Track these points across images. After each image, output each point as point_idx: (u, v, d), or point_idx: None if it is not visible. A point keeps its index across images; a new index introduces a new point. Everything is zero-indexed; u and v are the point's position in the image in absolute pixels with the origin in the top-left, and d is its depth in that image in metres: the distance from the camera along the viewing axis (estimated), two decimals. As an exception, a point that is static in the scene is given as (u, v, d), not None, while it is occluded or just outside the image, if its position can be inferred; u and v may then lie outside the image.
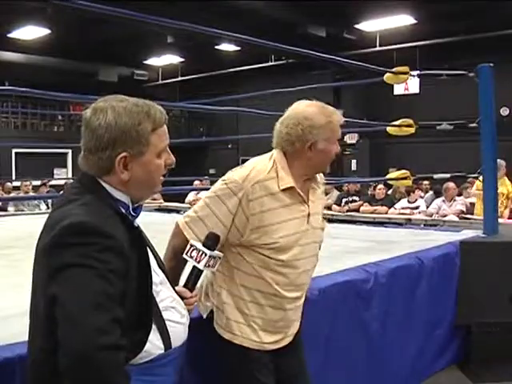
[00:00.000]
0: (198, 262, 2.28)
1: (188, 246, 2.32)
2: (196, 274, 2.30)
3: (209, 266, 2.29)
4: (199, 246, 2.30)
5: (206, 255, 2.28)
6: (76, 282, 1.75)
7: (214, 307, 2.81)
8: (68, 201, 1.95)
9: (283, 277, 2.75)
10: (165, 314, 2.07)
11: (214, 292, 2.81)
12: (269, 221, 2.68)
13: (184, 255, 2.31)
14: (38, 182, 14.31)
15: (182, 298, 2.23)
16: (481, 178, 7.94)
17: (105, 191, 2.00)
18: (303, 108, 2.80)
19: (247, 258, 2.73)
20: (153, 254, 2.17)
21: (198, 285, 2.40)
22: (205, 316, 2.84)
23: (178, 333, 2.12)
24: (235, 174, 2.70)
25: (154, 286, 2.03)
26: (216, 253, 2.32)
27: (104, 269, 1.77)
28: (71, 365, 1.69)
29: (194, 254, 2.29)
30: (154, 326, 2.01)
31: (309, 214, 2.82)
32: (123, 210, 2.01)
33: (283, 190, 2.71)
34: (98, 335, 1.69)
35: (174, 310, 2.13)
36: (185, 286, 2.30)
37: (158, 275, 2.12)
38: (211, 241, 2.34)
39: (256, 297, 2.75)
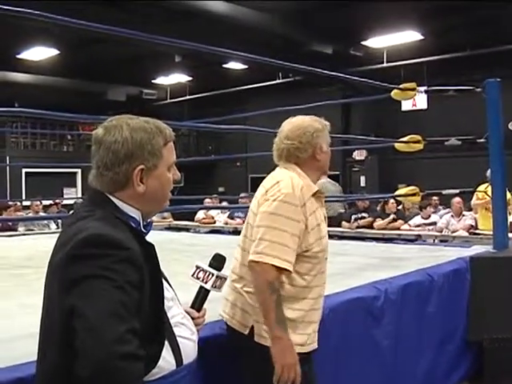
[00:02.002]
0: (205, 283, 2.29)
1: (194, 268, 2.33)
2: (203, 294, 2.31)
3: (215, 286, 2.31)
4: (206, 267, 2.32)
5: (213, 276, 2.29)
6: (95, 293, 1.76)
7: (254, 323, 2.87)
8: (82, 217, 1.98)
9: (323, 276, 3.00)
10: (176, 330, 2.08)
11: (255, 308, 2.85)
12: (316, 222, 2.91)
13: (190, 276, 2.33)
14: (47, 202, 14.37)
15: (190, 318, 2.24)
16: (480, 188, 7.96)
17: (116, 207, 2.03)
18: (300, 120, 3.11)
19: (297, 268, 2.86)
20: None
21: (205, 305, 2.40)
22: (246, 332, 2.89)
23: (189, 349, 2.13)
24: (282, 189, 2.86)
25: (165, 301, 2.04)
26: (222, 273, 2.34)
27: (121, 280, 1.79)
28: (91, 375, 1.70)
29: (201, 275, 2.30)
30: (166, 342, 2.01)
31: (325, 217, 3.06)
32: (134, 226, 2.04)
33: (313, 195, 2.93)
34: (118, 344, 1.70)
35: (184, 326, 2.14)
36: (192, 306, 2.30)
37: (168, 291, 2.14)
38: (217, 261, 2.35)
39: (311, 303, 2.93)
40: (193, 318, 2.25)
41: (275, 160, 3.13)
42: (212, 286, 2.29)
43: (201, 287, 2.30)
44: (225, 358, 2.99)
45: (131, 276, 1.83)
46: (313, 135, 3.02)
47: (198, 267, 2.32)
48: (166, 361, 2.01)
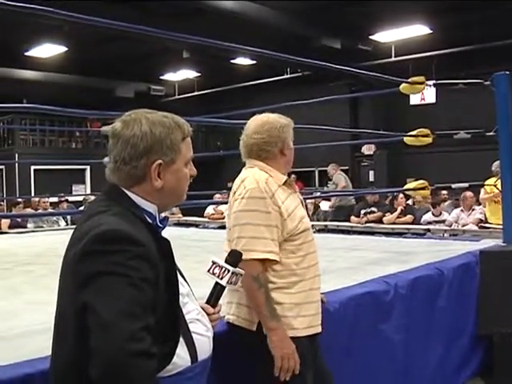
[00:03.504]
0: (221, 279, 2.28)
1: (210, 263, 2.32)
2: (218, 290, 2.30)
3: (231, 282, 2.30)
4: (222, 262, 2.31)
5: (228, 272, 2.28)
6: (108, 289, 1.76)
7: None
8: (97, 212, 1.96)
9: (312, 257, 3.03)
10: (191, 327, 2.08)
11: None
12: (291, 207, 2.98)
13: (206, 272, 2.32)
14: (56, 199, 14.41)
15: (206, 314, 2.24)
16: (487, 182, 7.94)
17: (132, 202, 2.02)
18: (265, 117, 3.16)
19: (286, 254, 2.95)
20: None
21: (221, 301, 2.40)
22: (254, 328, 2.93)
23: (204, 345, 2.12)
24: (246, 186, 2.96)
25: (181, 297, 2.04)
26: (238, 270, 2.33)
27: (136, 277, 1.78)
28: (104, 372, 1.69)
29: (217, 270, 2.29)
30: (181, 339, 2.00)
31: (301, 202, 3.16)
32: (150, 221, 2.03)
33: (283, 184, 3.04)
34: (131, 342, 1.69)
35: (199, 322, 2.13)
36: (207, 302, 2.30)
37: (184, 287, 2.13)
38: (234, 257, 2.34)
39: (310, 283, 2.99)
40: (208, 314, 2.24)
41: (243, 157, 3.20)
42: (228, 282, 2.28)
43: (216, 283, 2.29)
44: (236, 356, 2.99)
45: (146, 273, 1.82)
46: (279, 130, 3.09)
47: (213, 263, 2.31)
48: (181, 357, 2.00)
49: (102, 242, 1.82)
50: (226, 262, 2.32)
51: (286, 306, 2.89)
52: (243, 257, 2.70)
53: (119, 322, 1.71)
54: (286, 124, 3.14)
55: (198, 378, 2.08)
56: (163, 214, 2.17)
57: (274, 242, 2.87)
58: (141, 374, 1.71)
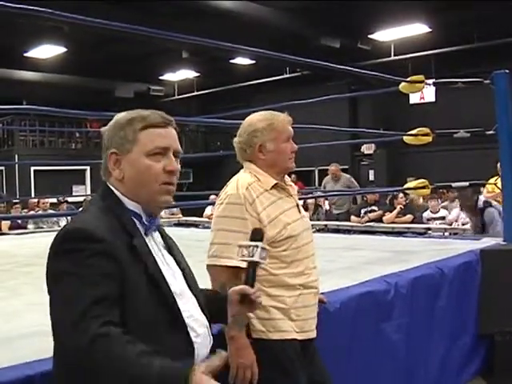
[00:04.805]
0: (253, 256, 2.25)
1: (237, 248, 2.29)
2: (253, 268, 2.26)
3: (262, 257, 2.26)
4: (248, 242, 2.28)
5: (257, 247, 2.25)
6: (64, 290, 1.79)
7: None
8: (82, 210, 2.07)
9: (298, 264, 2.96)
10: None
11: None
12: (275, 213, 2.92)
13: (239, 258, 2.28)
14: (55, 200, 14.41)
15: (246, 295, 2.19)
16: (491, 180, 7.93)
17: (116, 199, 2.04)
18: (250, 118, 3.12)
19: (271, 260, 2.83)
20: (178, 263, 2.15)
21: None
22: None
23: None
24: (227, 191, 2.95)
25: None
26: (265, 245, 2.31)
27: (94, 273, 1.79)
28: (75, 363, 1.75)
29: (245, 251, 2.25)
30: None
31: (297, 205, 3.11)
32: (136, 220, 2.02)
33: (271, 188, 2.98)
34: (83, 335, 1.69)
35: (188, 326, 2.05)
36: (245, 284, 2.25)
37: (173, 285, 2.03)
38: (258, 235, 2.31)
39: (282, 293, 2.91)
40: (249, 295, 2.19)
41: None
42: (260, 257, 2.25)
43: (249, 263, 2.26)
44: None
45: (106, 268, 1.82)
46: (250, 135, 3.03)
47: (240, 246, 2.28)
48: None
49: (62, 242, 1.87)
50: (251, 240, 2.30)
51: (271, 310, 2.86)
52: (213, 262, 2.81)
53: (73, 321, 1.72)
54: (259, 128, 3.02)
55: None
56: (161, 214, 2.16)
57: None
58: (103, 356, 1.69)
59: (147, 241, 2.03)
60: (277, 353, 2.87)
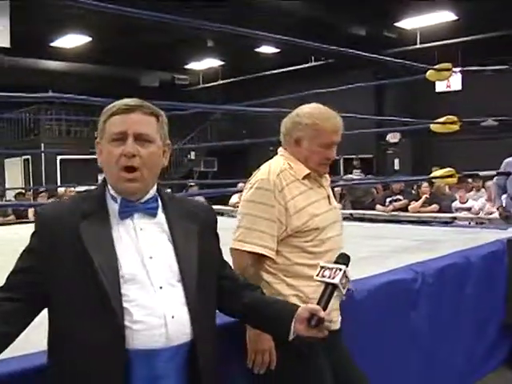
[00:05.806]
0: (333, 279, 2.17)
1: (319, 268, 2.23)
2: (330, 291, 2.18)
3: (342, 283, 2.18)
4: (332, 265, 2.22)
5: (340, 270, 2.18)
6: None
7: None
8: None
9: (321, 256, 2.84)
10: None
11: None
12: (303, 204, 2.88)
13: (315, 277, 2.22)
14: (82, 188, 14.49)
15: (314, 315, 2.12)
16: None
17: (104, 185, 2.15)
18: (302, 108, 3.07)
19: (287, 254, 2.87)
20: (177, 250, 2.10)
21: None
22: None
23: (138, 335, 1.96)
24: (258, 176, 2.92)
25: (121, 280, 1.96)
26: (348, 271, 2.22)
27: (26, 249, 2.07)
28: None
29: (327, 273, 2.19)
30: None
31: (328, 196, 3.07)
32: (115, 205, 2.10)
33: (303, 178, 2.95)
34: None
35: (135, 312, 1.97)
36: (318, 304, 2.18)
37: (125, 268, 1.98)
38: (343, 259, 2.25)
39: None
40: (319, 318, 2.12)
41: None
42: (340, 280, 2.16)
43: (327, 284, 2.18)
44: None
45: (34, 244, 2.05)
46: (293, 125, 3.02)
47: (322, 267, 2.22)
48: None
49: None
50: (335, 263, 2.24)
51: (291, 298, 2.81)
52: (237, 246, 2.79)
53: None
54: (302, 123, 2.97)
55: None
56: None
57: (273, 237, 2.80)
58: None
59: (116, 224, 2.06)
60: (295, 339, 2.87)
